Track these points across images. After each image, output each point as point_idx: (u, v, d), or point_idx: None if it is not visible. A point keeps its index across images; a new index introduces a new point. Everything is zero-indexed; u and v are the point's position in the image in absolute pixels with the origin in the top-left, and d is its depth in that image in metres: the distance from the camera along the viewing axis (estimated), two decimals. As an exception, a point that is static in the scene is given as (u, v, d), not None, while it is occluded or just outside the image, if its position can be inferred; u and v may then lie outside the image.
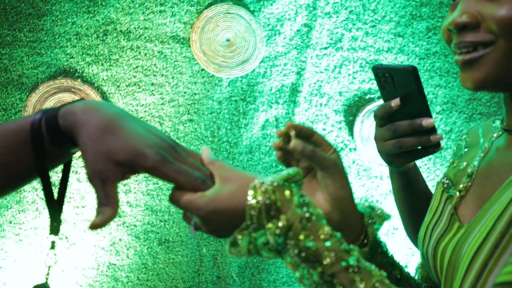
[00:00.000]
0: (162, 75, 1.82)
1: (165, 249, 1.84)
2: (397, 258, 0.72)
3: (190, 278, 1.86)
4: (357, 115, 1.88)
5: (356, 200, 0.69)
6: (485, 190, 0.67)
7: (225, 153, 1.86)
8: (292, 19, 1.85)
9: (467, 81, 0.65)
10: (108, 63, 1.79)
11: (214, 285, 1.86)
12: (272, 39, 1.85)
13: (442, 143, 1.59)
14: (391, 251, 0.71)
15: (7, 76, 1.75)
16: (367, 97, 1.89)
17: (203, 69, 1.83)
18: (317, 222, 0.55)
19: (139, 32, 1.80)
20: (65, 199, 0.62)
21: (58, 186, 0.61)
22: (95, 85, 1.79)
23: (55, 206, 0.59)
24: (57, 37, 1.76)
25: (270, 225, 0.53)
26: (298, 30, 1.86)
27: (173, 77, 1.82)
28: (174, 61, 1.82)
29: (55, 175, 1.43)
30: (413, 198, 0.91)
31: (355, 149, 1.90)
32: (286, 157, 0.68)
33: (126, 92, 1.81)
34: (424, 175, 1.87)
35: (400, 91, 0.76)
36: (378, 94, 1.87)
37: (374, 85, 1.88)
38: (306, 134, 0.66)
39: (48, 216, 0.59)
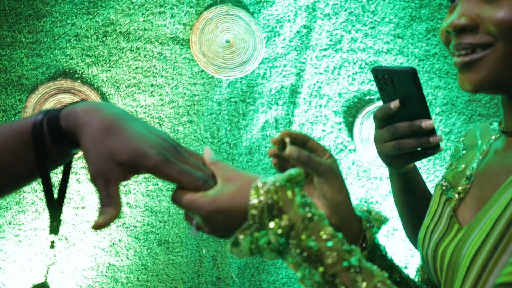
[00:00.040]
0: (162, 76, 1.82)
1: (164, 250, 1.84)
2: (397, 259, 0.72)
3: (190, 279, 1.86)
4: (357, 116, 1.88)
5: (355, 202, 0.69)
6: (484, 192, 0.67)
7: (225, 154, 1.86)
8: (291, 20, 1.86)
9: (465, 83, 0.65)
10: (108, 64, 1.80)
11: (213, 286, 1.86)
12: (271, 41, 1.86)
13: (442, 144, 1.60)
14: (391, 253, 0.71)
15: (7, 77, 1.75)
16: (366, 98, 1.89)
17: (202, 70, 1.83)
18: (319, 222, 0.55)
19: (139, 34, 1.80)
20: (65, 200, 0.62)
21: (58, 187, 0.61)
22: (95, 86, 1.79)
23: (55, 206, 0.60)
24: (56, 38, 1.76)
25: (272, 225, 0.54)
26: (297, 32, 1.86)
27: (172, 78, 1.83)
28: (174, 62, 1.83)
29: (55, 176, 1.43)
30: (412, 199, 0.91)
31: (354, 150, 1.90)
32: (282, 163, 0.69)
33: (126, 93, 1.81)
34: (424, 176, 1.87)
35: (400, 92, 0.76)
36: (378, 95, 1.87)
37: (373, 87, 1.89)
38: (301, 140, 0.66)
39: (48, 216, 0.60)
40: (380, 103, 1.52)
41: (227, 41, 1.83)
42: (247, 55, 1.83)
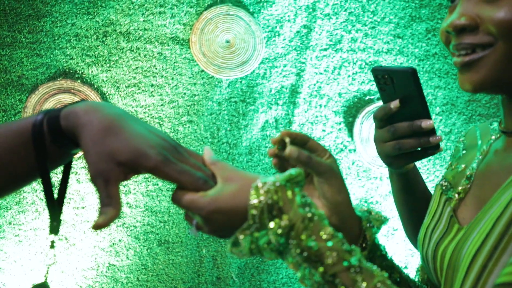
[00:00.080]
0: (162, 76, 1.82)
1: (164, 250, 1.84)
2: (397, 259, 0.72)
3: (190, 279, 1.86)
4: (357, 116, 1.88)
5: (355, 202, 0.69)
6: (484, 192, 0.67)
7: (225, 154, 1.86)
8: (291, 20, 1.86)
9: (465, 83, 0.65)
10: (108, 64, 1.80)
11: (213, 286, 1.86)
12: (271, 41, 1.86)
13: (442, 144, 1.60)
14: (391, 253, 0.71)
15: (7, 77, 1.75)
16: (366, 98, 1.89)
17: (202, 70, 1.83)
18: (319, 222, 0.55)
19: (139, 34, 1.80)
20: (65, 200, 0.62)
21: (58, 187, 0.61)
22: (95, 86, 1.79)
23: (55, 206, 0.60)
24: (56, 38, 1.76)
25: (272, 225, 0.54)
26: (297, 32, 1.86)
27: (172, 78, 1.83)
28: (174, 62, 1.83)
29: (55, 176, 1.43)
30: (412, 199, 0.91)
31: (354, 150, 1.90)
32: (282, 163, 0.69)
33: (126, 93, 1.81)
34: (424, 176, 1.87)
35: (400, 92, 0.76)
36: (378, 95, 1.88)
37: (373, 86, 1.89)
38: (301, 141, 0.66)
39: (48, 216, 0.60)
40: (380, 103, 1.52)
41: (227, 41, 1.83)
42: (247, 55, 1.83)
